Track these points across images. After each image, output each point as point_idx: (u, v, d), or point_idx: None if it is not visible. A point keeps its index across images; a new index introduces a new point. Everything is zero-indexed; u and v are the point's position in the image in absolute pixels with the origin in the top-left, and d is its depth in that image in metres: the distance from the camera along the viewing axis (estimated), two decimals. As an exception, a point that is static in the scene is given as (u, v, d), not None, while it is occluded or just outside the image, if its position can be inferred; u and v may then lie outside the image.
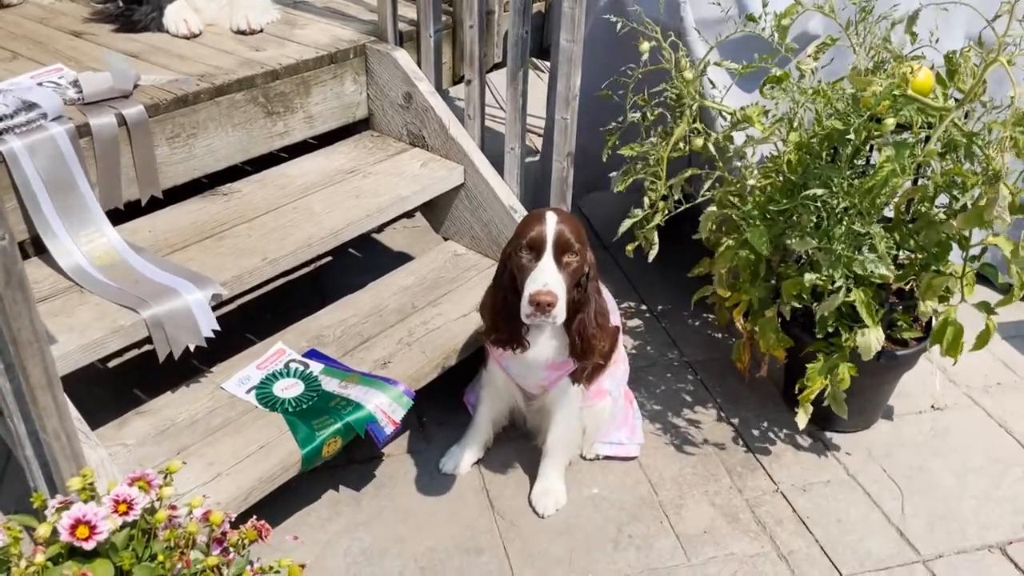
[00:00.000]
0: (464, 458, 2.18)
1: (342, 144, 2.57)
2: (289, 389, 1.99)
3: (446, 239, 2.61)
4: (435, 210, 2.57)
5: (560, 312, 1.69)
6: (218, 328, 1.88)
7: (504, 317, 1.83)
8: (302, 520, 2.05)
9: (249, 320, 2.66)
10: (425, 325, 2.22)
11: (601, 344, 1.87)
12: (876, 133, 1.87)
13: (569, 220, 1.76)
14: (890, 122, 1.79)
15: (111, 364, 2.44)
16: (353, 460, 2.20)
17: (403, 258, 3.05)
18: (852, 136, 1.80)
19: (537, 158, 3.66)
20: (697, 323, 2.77)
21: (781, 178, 2.04)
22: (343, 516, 2.06)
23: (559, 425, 2.06)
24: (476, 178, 2.43)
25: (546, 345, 1.88)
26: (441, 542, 1.99)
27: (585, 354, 1.85)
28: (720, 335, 2.72)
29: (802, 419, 2.13)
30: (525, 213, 2.38)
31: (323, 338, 2.16)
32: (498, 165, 2.49)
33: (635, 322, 2.77)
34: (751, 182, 2.02)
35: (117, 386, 2.37)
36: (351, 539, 1.99)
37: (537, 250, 1.73)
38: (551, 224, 1.73)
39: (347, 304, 2.29)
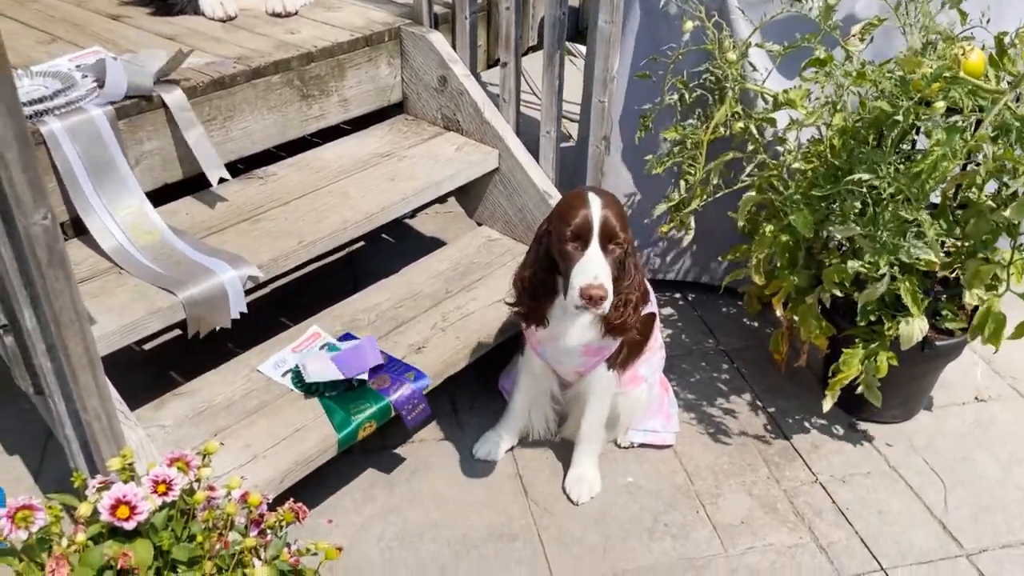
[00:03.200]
0: (498, 445, 2.17)
1: (376, 128, 2.56)
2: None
3: (480, 224, 2.59)
4: (469, 195, 2.55)
5: (609, 304, 1.66)
6: (245, 311, 1.88)
7: (531, 294, 1.81)
8: (336, 503, 2.05)
9: (283, 304, 2.67)
10: (459, 310, 2.21)
11: (635, 318, 1.83)
12: (924, 117, 1.82)
13: (613, 203, 1.72)
14: (940, 105, 1.73)
15: (147, 347, 2.45)
16: (386, 445, 2.20)
17: (435, 243, 3.05)
18: (900, 119, 1.75)
19: (571, 143, 3.63)
20: (732, 311, 2.74)
21: (824, 163, 1.99)
22: (377, 500, 2.05)
23: (594, 412, 2.04)
24: (511, 162, 2.41)
25: (582, 330, 1.85)
26: (475, 528, 1.98)
27: (618, 329, 1.82)
28: (756, 323, 2.69)
29: (828, 403, 2.08)
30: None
31: (358, 322, 2.15)
32: (532, 150, 2.47)
33: (668, 310, 2.73)
34: (796, 165, 1.98)
35: (153, 369, 2.39)
36: (385, 523, 1.99)
37: (583, 238, 1.67)
38: (596, 210, 1.67)
39: (381, 288, 2.28)
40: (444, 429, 2.27)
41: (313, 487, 1.98)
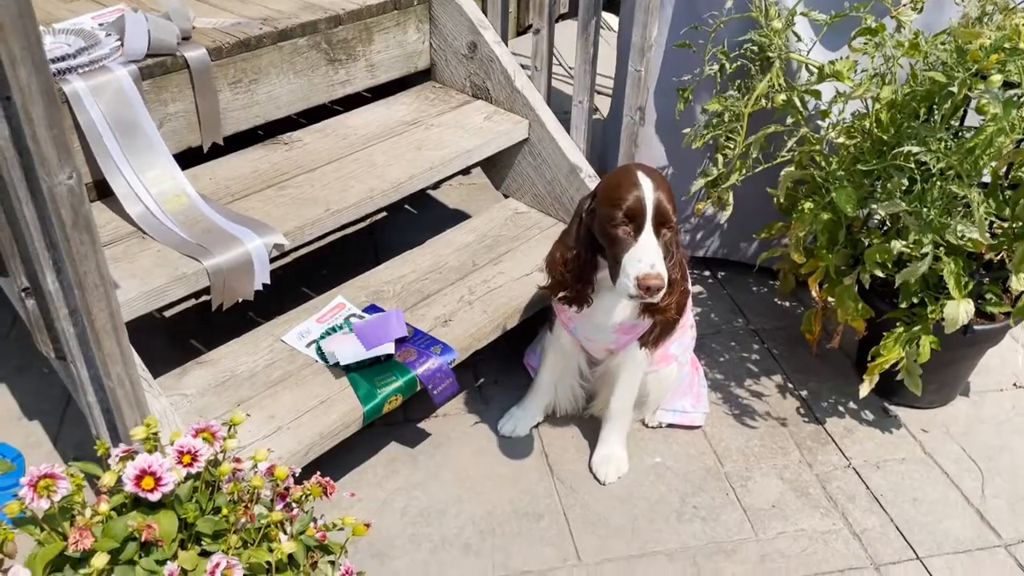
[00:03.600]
0: (524, 421, 2.12)
1: (404, 95, 2.50)
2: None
3: (507, 196, 2.53)
4: (496, 166, 2.49)
5: (663, 292, 1.60)
6: (268, 282, 1.84)
7: (575, 275, 1.75)
8: (359, 477, 2.01)
9: (305, 274, 2.63)
10: (486, 284, 2.16)
11: (676, 299, 1.77)
12: (978, 90, 1.75)
13: (663, 184, 1.64)
14: (997, 78, 1.66)
15: (168, 314, 2.42)
16: (409, 419, 2.16)
17: (459, 215, 2.99)
18: (955, 91, 1.67)
19: (596, 115, 3.55)
20: (763, 290, 2.67)
21: (869, 137, 1.92)
22: (400, 475, 2.02)
23: (623, 390, 1.99)
24: (541, 133, 2.34)
25: (619, 309, 1.80)
26: (499, 505, 1.95)
27: (660, 310, 1.76)
28: (787, 303, 2.62)
29: (865, 388, 2.03)
30: (591, 173, 2.30)
31: (383, 293, 2.11)
32: (561, 123, 2.40)
33: (697, 288, 2.67)
34: (840, 139, 1.90)
35: (174, 336, 2.35)
36: (408, 498, 1.95)
37: (636, 223, 1.60)
38: (649, 192, 1.60)
39: (407, 260, 2.23)
40: (468, 404, 2.23)
41: (335, 460, 1.95)
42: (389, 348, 1.88)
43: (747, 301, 2.63)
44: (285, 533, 1.34)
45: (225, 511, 1.31)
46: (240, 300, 1.84)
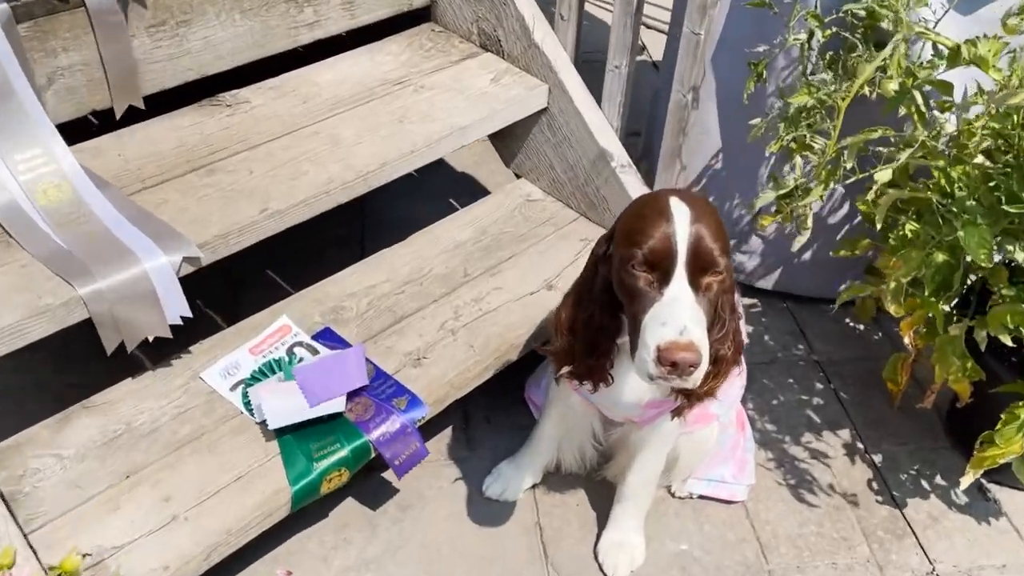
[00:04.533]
0: (515, 482, 1.67)
1: (393, 40, 1.97)
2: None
3: (518, 176, 2.02)
4: (506, 138, 1.97)
5: (702, 372, 1.09)
6: (189, 315, 1.37)
7: (588, 345, 1.25)
8: (300, 546, 1.59)
9: (272, 255, 2.14)
10: (477, 304, 1.67)
11: (723, 382, 1.29)
12: None
13: (708, 215, 1.13)
14: None
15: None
16: (373, 466, 1.70)
17: (466, 182, 2.49)
18: None
19: (643, 56, 2.95)
20: (832, 306, 2.14)
21: (1016, 151, 1.37)
22: (352, 546, 1.59)
23: (646, 464, 1.52)
24: (563, 103, 1.81)
25: (647, 385, 1.31)
26: (473, 600, 1.52)
27: (697, 396, 1.28)
28: (863, 327, 2.10)
29: (967, 481, 1.54)
30: (625, 161, 1.76)
31: (343, 312, 1.63)
32: (595, 87, 1.86)
33: (749, 300, 2.16)
34: (977, 159, 1.36)
35: (85, 348, 1.90)
36: (358, 583, 1.53)
37: (663, 268, 1.10)
38: (683, 225, 1.10)
39: (380, 263, 1.75)
40: (450, 449, 1.78)
41: (271, 524, 1.52)
42: (339, 405, 1.42)
43: (812, 321, 2.11)
44: None
45: None
46: (150, 339, 1.38)
